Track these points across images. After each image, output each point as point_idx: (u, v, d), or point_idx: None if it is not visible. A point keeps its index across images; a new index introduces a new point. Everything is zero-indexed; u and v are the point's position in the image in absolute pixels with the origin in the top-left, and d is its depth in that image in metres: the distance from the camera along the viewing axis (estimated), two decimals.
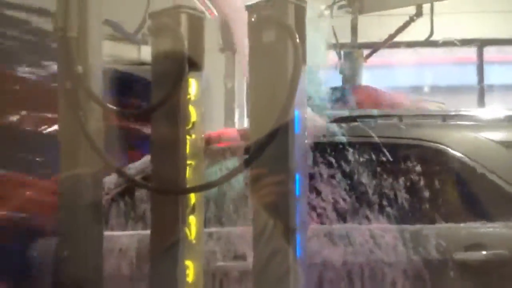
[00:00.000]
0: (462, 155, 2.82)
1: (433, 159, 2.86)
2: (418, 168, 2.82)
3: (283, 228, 2.05)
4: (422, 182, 2.80)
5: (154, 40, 2.26)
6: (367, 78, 6.24)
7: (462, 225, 2.78)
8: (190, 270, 2.37)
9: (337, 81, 5.88)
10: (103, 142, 2.34)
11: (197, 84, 2.32)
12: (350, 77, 5.89)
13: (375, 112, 3.16)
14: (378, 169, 2.83)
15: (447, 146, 2.85)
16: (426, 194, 2.79)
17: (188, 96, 2.28)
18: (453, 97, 7.39)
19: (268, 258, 2.08)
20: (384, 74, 8.00)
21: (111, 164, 2.27)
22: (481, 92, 8.29)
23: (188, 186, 2.28)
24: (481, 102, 8.43)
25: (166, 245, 2.28)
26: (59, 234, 2.39)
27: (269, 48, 2.05)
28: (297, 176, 2.08)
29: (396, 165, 2.85)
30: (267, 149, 2.02)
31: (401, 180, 2.80)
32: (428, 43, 7.16)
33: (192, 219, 2.35)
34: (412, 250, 2.71)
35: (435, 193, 2.79)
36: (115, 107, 2.26)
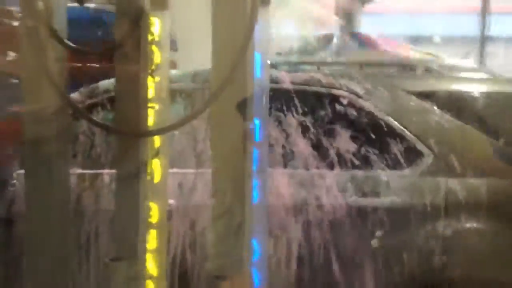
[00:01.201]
0: (369, 104, 2.83)
1: (340, 106, 2.86)
2: (325, 114, 2.83)
3: (241, 172, 2.05)
4: (327, 128, 2.81)
5: None
6: (366, 25, 6.14)
7: (359, 171, 2.81)
8: (154, 211, 2.39)
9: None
10: (65, 81, 2.33)
11: (161, 23, 2.27)
12: (345, 23, 5.78)
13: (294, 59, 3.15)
14: (286, 114, 2.83)
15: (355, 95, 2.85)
16: (331, 140, 2.80)
17: (151, 37, 2.25)
18: (452, 48, 7.27)
19: (227, 203, 2.09)
20: (384, 22, 7.86)
21: (73, 104, 2.26)
22: (482, 43, 8.16)
23: (151, 129, 2.27)
24: (482, 53, 8.32)
25: (128, 187, 2.29)
26: (25, 171, 2.42)
27: None
28: (256, 121, 2.07)
29: (305, 111, 2.85)
30: (225, 92, 2.00)
31: (309, 126, 2.80)
32: None
33: (155, 162, 2.36)
34: (307, 194, 2.74)
35: (339, 140, 2.80)
36: (76, 46, 2.22)
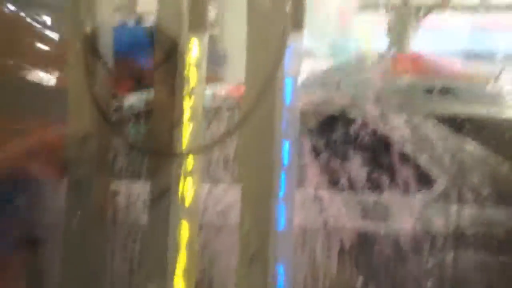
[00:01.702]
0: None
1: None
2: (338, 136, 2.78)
3: (268, 197, 2.03)
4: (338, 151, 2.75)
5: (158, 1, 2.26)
6: (421, 41, 5.86)
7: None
8: (185, 230, 2.40)
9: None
10: (109, 102, 2.39)
11: (200, 44, 2.30)
12: (398, 41, 5.48)
13: None
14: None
15: None
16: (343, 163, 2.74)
17: (190, 58, 2.27)
18: None
19: (252, 226, 2.08)
20: (439, 38, 7.57)
21: (113, 125, 2.33)
22: None
23: (185, 149, 2.30)
24: None
25: (160, 206, 2.32)
26: (67, 187, 2.49)
27: (264, 13, 2.01)
28: (284, 145, 2.05)
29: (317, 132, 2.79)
30: (255, 116, 2.00)
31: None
32: (488, 5, 6.74)
33: (189, 181, 2.38)
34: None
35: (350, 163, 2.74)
36: (119, 70, 2.29)
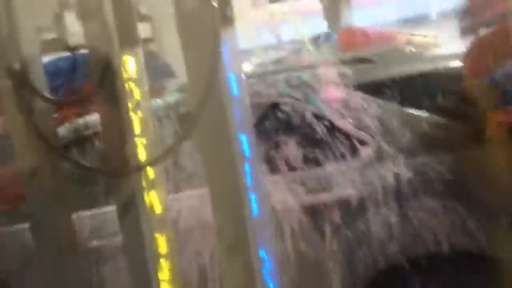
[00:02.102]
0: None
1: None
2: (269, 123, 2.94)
3: (235, 189, 2.09)
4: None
5: (84, 25, 2.27)
6: (357, 18, 6.04)
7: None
8: (161, 241, 2.43)
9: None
10: (53, 131, 2.38)
11: (135, 60, 2.32)
12: (335, 20, 5.72)
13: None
14: None
15: None
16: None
17: (127, 75, 2.29)
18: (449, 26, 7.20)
19: (225, 219, 2.13)
20: (375, 11, 7.77)
21: (64, 154, 2.32)
22: None
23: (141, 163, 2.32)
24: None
25: (131, 222, 2.34)
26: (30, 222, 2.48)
27: (192, 15, 2.05)
28: (242, 137, 2.11)
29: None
30: (205, 114, 2.04)
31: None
32: None
33: (153, 193, 2.40)
34: None
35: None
36: (55, 98, 2.29)
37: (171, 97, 3.23)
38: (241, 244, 2.08)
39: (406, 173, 2.76)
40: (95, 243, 2.97)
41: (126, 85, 2.26)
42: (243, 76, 2.15)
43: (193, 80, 2.12)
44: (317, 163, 2.88)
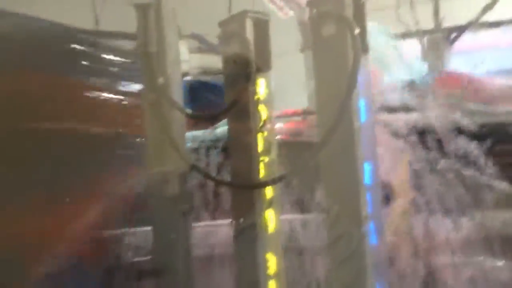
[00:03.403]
0: None
1: None
2: None
3: (354, 216, 2.09)
4: None
5: (224, 46, 2.38)
6: (456, 64, 6.02)
7: None
8: (271, 262, 2.46)
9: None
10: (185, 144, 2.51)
11: (266, 83, 2.41)
12: (435, 64, 5.71)
13: None
14: None
15: None
16: None
17: (257, 96, 2.38)
18: None
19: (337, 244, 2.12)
20: (474, 58, 7.65)
21: (192, 163, 2.43)
22: None
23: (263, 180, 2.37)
24: None
25: (245, 239, 2.38)
26: (153, 228, 2.58)
27: (330, 41, 2.10)
28: (365, 165, 2.11)
29: None
30: (333, 140, 2.07)
31: None
32: None
33: (269, 212, 2.44)
34: None
35: None
36: (192, 112, 2.42)
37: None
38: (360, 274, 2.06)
39: None
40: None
41: (257, 106, 2.35)
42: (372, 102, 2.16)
43: (323, 104, 2.15)
44: None
